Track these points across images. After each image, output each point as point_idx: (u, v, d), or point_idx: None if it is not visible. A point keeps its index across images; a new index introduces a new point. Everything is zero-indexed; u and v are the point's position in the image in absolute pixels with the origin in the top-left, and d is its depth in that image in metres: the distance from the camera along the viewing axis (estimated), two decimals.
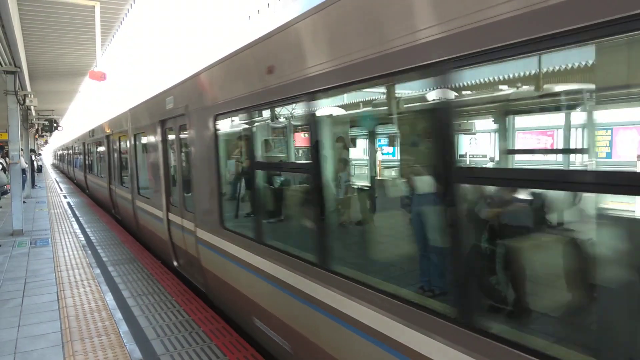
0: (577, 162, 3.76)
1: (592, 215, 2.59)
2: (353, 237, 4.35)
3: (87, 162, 21.91)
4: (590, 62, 2.25)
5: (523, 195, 2.92)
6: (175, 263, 7.32)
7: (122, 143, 11.76)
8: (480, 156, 6.94)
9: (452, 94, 2.29)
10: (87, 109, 34.33)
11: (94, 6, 9.16)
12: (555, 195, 3.04)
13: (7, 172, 12.29)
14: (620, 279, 2.32)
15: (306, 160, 3.99)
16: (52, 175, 41.08)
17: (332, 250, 3.37)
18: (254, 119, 4.50)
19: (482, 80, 2.69)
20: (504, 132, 4.30)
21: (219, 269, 5.37)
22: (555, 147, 5.51)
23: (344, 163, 4.47)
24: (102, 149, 15.52)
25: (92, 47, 10.97)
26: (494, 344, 2.15)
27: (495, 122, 4.57)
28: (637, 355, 2.15)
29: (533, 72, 2.80)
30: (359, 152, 6.91)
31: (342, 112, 4.57)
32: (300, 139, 5.14)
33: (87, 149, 21.57)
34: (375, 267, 3.63)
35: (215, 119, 5.10)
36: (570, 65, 2.57)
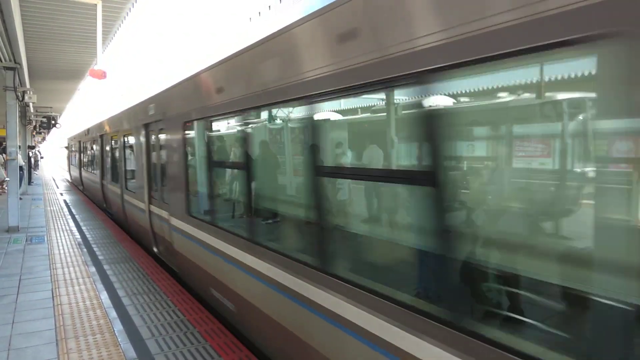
0: None
1: None
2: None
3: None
4: None
5: None
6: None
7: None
8: None
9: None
10: (88, 106, 34.10)
11: (96, 4, 9.18)
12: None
13: (5, 168, 12.27)
14: None
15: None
16: (49, 172, 40.95)
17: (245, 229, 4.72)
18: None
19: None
20: None
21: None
22: None
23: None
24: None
25: (93, 45, 10.99)
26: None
27: None
28: None
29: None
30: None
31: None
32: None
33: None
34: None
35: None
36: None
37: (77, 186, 24.30)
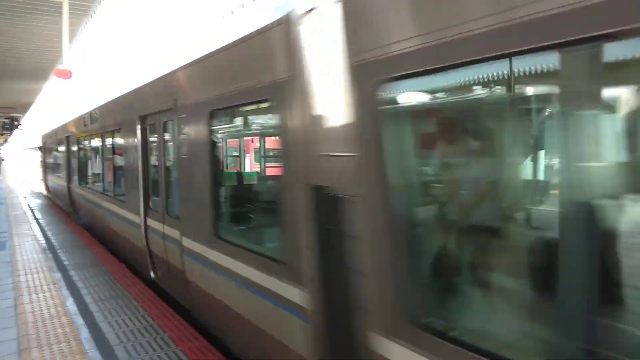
0: None
1: None
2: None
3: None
4: None
5: None
6: None
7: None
8: None
9: None
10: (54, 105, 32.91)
11: (61, 2, 8.92)
12: None
13: None
14: None
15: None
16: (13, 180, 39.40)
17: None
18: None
19: None
20: None
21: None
22: None
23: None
24: None
25: (58, 44, 10.67)
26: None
27: None
28: None
29: None
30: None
31: None
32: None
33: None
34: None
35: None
36: None
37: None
